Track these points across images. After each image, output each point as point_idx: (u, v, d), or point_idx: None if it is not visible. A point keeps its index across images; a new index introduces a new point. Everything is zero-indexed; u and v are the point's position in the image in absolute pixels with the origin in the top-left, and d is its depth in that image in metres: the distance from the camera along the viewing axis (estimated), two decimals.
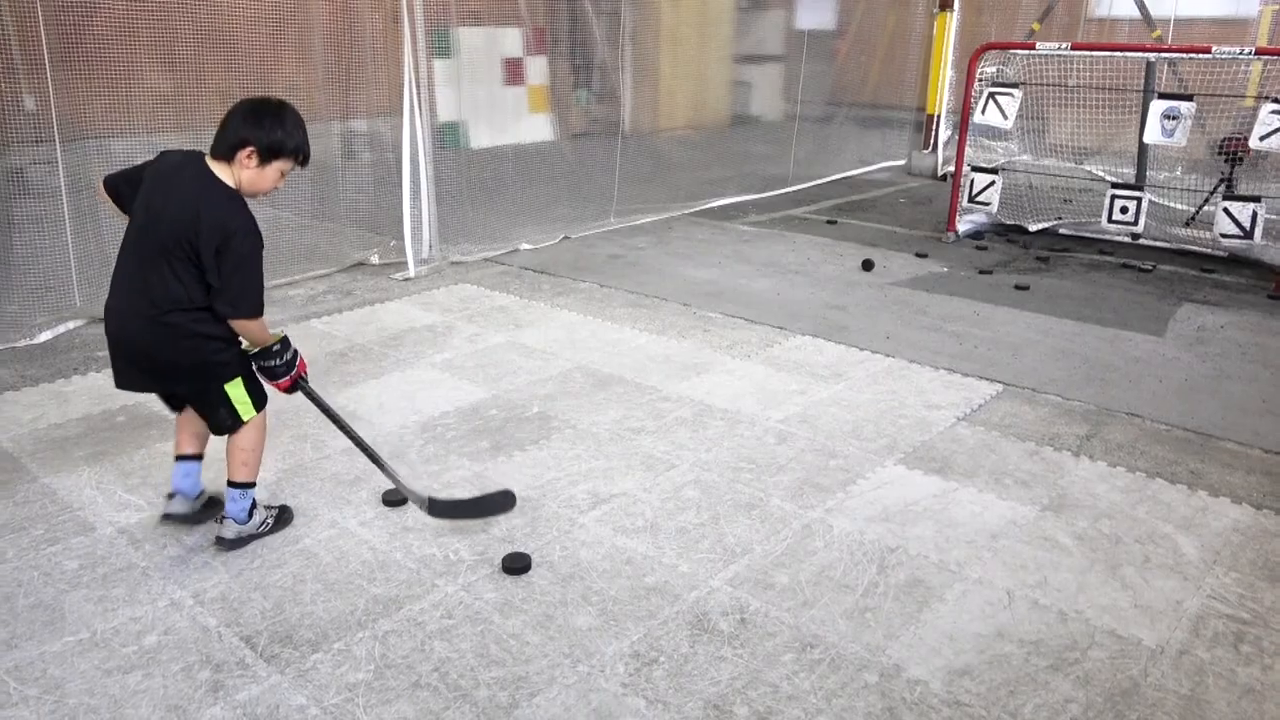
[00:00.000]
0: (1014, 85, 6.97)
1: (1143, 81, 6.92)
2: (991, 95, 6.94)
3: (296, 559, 2.83)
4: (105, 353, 2.81)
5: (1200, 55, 6.40)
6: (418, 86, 5.75)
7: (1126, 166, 7.89)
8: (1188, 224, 7.09)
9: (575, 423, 3.81)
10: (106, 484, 3.26)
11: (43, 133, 4.61)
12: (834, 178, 9.72)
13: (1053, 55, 7.24)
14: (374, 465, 3.00)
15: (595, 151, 7.87)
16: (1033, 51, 7.16)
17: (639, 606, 2.63)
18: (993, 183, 7.01)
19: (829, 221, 7.75)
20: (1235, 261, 6.46)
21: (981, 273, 6.23)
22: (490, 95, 7.61)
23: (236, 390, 2.75)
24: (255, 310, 2.67)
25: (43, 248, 4.77)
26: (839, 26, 10.34)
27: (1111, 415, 3.98)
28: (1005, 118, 6.91)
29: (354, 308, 5.29)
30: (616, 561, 2.84)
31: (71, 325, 4.78)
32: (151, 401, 3.19)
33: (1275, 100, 5.83)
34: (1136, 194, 6.59)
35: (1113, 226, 6.71)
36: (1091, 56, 7.33)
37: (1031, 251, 6.81)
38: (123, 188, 2.71)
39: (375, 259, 6.14)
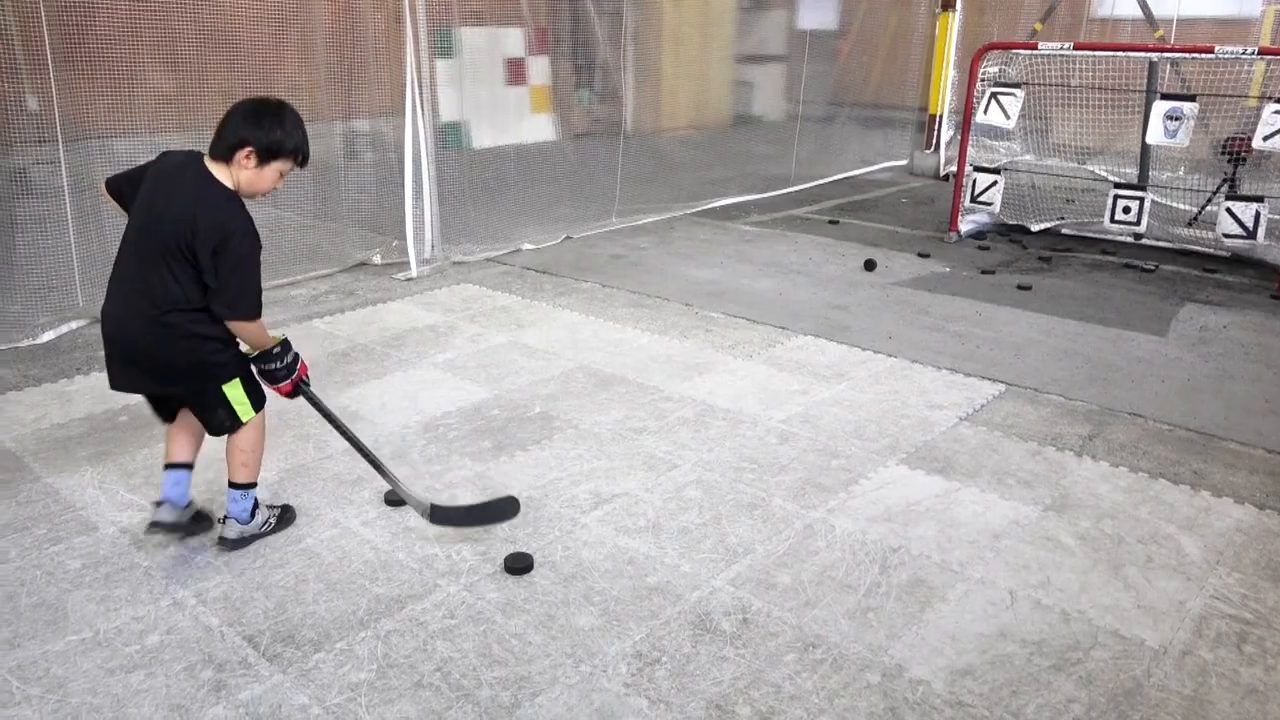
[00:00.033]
0: (1016, 85, 6.96)
1: (1145, 81, 6.91)
2: (994, 95, 6.93)
3: (299, 559, 2.83)
4: None
5: (1203, 55, 6.39)
6: (420, 86, 5.75)
7: (1129, 166, 7.88)
8: (1190, 224, 7.09)
9: (577, 423, 3.81)
10: (109, 484, 3.26)
11: (45, 133, 4.62)
12: (836, 178, 9.71)
13: (1055, 55, 7.23)
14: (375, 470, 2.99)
15: (597, 151, 7.87)
16: (1035, 51, 7.15)
17: (641, 606, 2.63)
18: (995, 183, 7.01)
19: (831, 221, 7.75)
20: (1238, 261, 6.45)
21: (984, 273, 6.22)
22: (492, 95, 7.62)
23: (235, 391, 2.74)
24: (253, 312, 2.66)
25: (45, 248, 4.77)
26: (841, 26, 10.34)
27: (1114, 415, 3.98)
28: (1008, 118, 6.90)
29: (356, 308, 5.29)
30: (619, 561, 2.84)
31: (74, 325, 4.79)
32: None
33: (1278, 100, 5.83)
34: (1139, 194, 6.58)
35: (1115, 226, 6.70)
36: (1094, 56, 7.32)
37: (1034, 251, 6.80)
38: (125, 188, 2.71)
39: (377, 259, 6.15)
